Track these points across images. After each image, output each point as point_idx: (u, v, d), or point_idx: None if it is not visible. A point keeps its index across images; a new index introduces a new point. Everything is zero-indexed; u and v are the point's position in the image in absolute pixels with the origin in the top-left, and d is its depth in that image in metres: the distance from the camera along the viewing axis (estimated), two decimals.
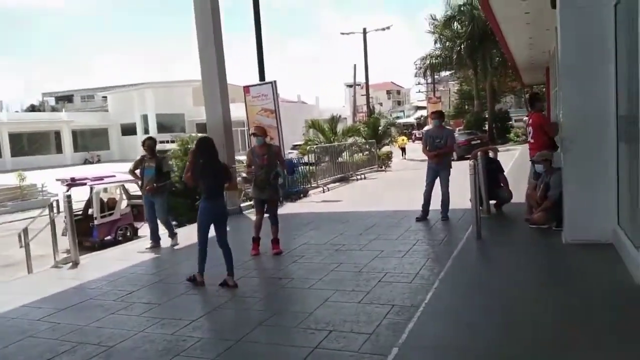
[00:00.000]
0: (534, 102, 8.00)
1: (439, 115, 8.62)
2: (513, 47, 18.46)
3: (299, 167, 13.94)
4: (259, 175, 6.58)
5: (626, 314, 4.01)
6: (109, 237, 12.36)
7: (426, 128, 18.73)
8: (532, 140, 7.52)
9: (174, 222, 11.15)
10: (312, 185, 14.13)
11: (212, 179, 5.49)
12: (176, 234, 8.07)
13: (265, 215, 6.86)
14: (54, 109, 61.40)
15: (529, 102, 9.03)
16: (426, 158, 8.44)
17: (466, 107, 43.89)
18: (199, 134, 14.27)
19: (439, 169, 8.11)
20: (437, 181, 8.16)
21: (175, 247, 7.79)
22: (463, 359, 3.47)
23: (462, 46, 30.48)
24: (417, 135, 43.22)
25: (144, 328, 4.42)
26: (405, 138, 31.39)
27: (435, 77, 46.99)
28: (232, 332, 4.16)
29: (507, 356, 3.46)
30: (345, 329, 4.02)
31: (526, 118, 34.29)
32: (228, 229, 8.95)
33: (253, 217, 10.22)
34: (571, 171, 5.99)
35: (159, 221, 7.94)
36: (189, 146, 12.50)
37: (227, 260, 5.51)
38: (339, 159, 17.02)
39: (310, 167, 14.91)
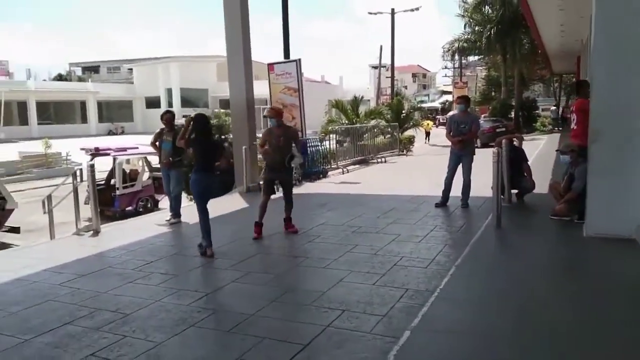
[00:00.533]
0: (580, 89, 7.70)
1: (465, 100, 8.46)
2: (544, 33, 18.03)
3: (319, 147, 13.88)
4: (275, 157, 6.57)
5: None
6: (130, 208, 12.58)
7: (450, 113, 18.48)
8: (575, 127, 7.27)
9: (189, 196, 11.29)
10: (332, 166, 14.11)
11: (201, 154, 5.87)
12: (180, 215, 7.82)
13: (275, 196, 6.85)
14: (80, 79, 62.21)
15: (576, 88, 8.80)
16: (449, 144, 8.34)
17: (493, 93, 43.10)
18: (222, 110, 14.32)
19: (461, 155, 8.00)
20: (459, 168, 8.07)
21: (171, 223, 7.68)
22: (476, 345, 3.45)
23: (492, 31, 29.79)
24: (441, 121, 42.68)
25: (160, 298, 4.50)
26: (430, 122, 31.11)
27: (463, 62, 46.18)
28: (246, 307, 4.21)
29: (521, 345, 3.44)
30: (359, 310, 4.03)
31: (554, 108, 33.46)
32: (247, 205, 9.09)
33: (271, 196, 10.30)
34: (596, 163, 5.84)
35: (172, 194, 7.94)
36: (212, 122, 12.54)
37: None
38: (360, 141, 16.92)
39: (336, 147, 14.84)
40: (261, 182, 10.91)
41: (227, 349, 3.47)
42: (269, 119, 6.68)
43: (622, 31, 5.56)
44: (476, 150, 8.26)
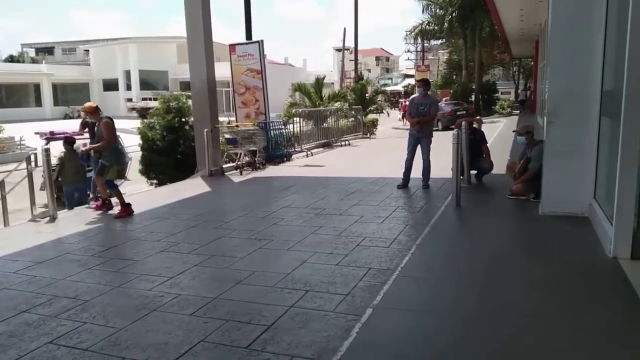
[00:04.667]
0: None
1: (424, 83, 8.61)
2: (504, 17, 18.34)
3: (283, 130, 13.78)
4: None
5: (597, 287, 4.11)
6: (87, 193, 12.22)
7: (412, 96, 18.63)
8: None
9: (154, 181, 11.12)
10: (296, 149, 14.08)
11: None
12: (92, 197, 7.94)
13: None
14: (33, 61, 59.66)
15: None
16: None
17: (454, 77, 43.77)
18: (182, 92, 14.04)
19: (420, 137, 8.12)
20: (419, 150, 8.18)
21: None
22: (436, 322, 3.54)
23: (453, 15, 30.13)
24: (404, 104, 43.10)
25: (120, 283, 4.42)
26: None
27: (425, 45, 46.59)
28: (209, 290, 4.18)
29: (482, 322, 3.54)
30: (322, 290, 4.07)
31: (522, 91, 34.52)
32: (209, 189, 9.04)
33: (235, 179, 10.27)
34: (552, 144, 6.03)
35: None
36: (171, 104, 12.30)
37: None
38: (324, 124, 16.91)
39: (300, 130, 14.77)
40: (223, 166, 10.86)
41: (189, 333, 3.44)
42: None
43: (579, 14, 5.69)
44: (437, 132, 8.41)
